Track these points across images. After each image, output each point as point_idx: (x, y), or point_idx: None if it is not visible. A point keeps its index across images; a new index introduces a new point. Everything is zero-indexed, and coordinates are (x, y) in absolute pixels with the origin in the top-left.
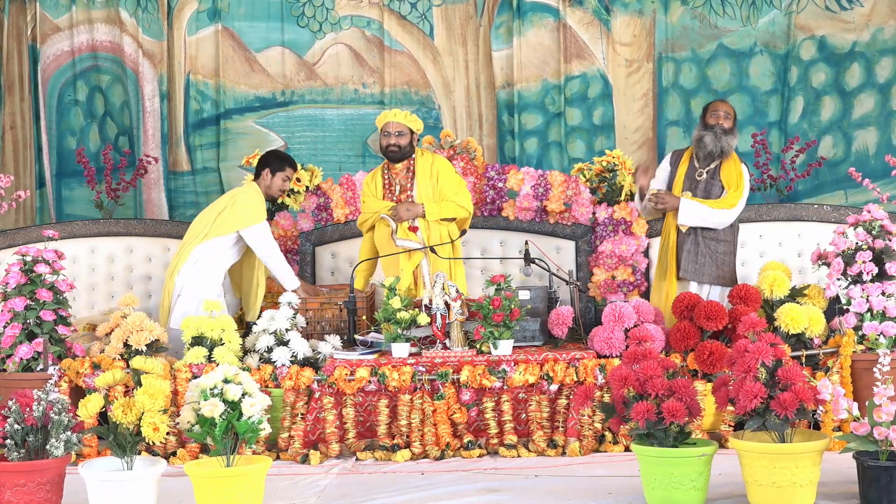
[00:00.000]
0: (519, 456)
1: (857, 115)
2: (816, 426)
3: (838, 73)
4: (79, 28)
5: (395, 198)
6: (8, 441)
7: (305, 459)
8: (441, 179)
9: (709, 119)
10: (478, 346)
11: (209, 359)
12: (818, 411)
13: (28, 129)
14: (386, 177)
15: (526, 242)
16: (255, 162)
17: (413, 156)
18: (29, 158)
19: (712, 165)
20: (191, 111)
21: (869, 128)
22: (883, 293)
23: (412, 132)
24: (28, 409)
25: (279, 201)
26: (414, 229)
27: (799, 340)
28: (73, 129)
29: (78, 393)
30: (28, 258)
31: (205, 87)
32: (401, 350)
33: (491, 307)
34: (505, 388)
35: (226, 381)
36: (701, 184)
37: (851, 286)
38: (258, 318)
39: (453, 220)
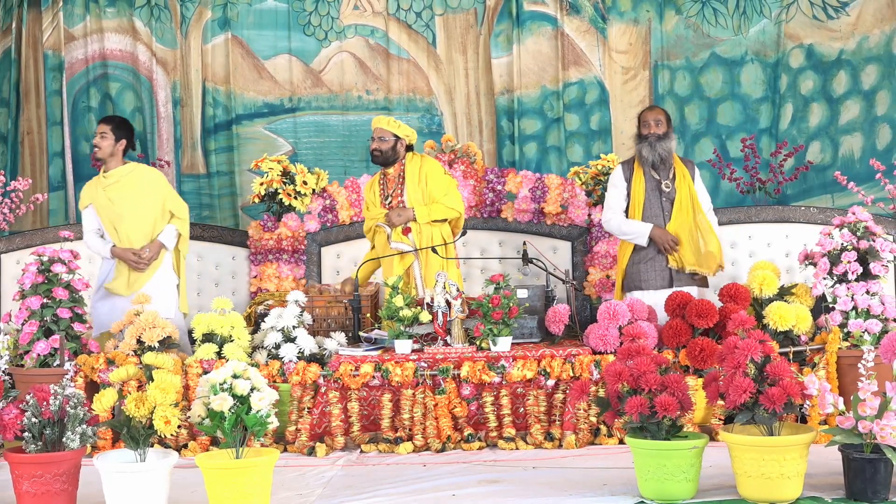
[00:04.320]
0: (517, 448)
1: (844, 121)
2: (803, 420)
3: (825, 81)
4: (93, 37)
5: (388, 204)
6: (26, 434)
7: (312, 452)
8: (430, 182)
9: (641, 130)
10: (478, 342)
11: (219, 355)
12: (805, 406)
13: (43, 134)
14: (382, 183)
15: (524, 243)
16: (263, 166)
17: (403, 161)
18: (44, 163)
19: (671, 174)
20: (206, 116)
21: (855, 133)
22: (867, 292)
23: (397, 138)
24: (45, 403)
25: (286, 203)
26: (407, 231)
27: (787, 337)
28: (88, 134)
29: (93, 388)
30: (45, 258)
31: (217, 93)
32: (403, 346)
33: (490, 305)
34: (504, 383)
35: (235, 377)
36: (669, 193)
37: (837, 285)
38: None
39: (445, 221)
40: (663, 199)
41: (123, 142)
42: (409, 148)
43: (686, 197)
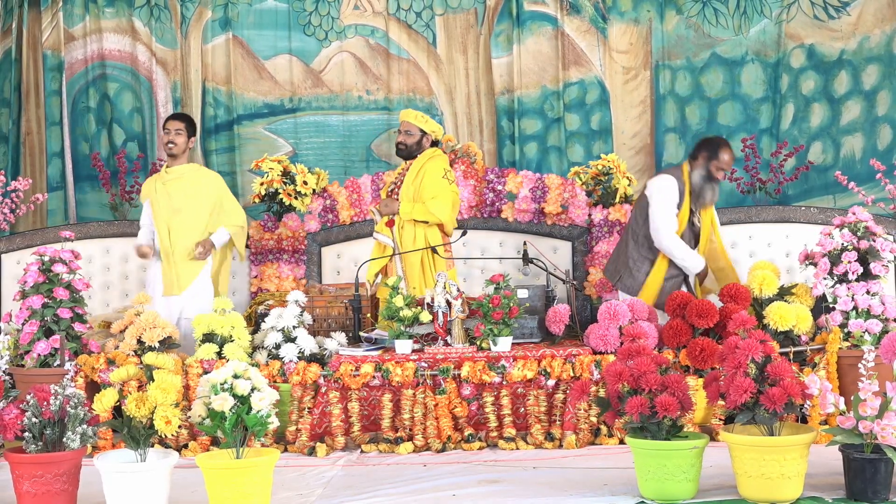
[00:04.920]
0: (518, 448)
1: (845, 122)
2: (804, 420)
3: (827, 81)
4: (92, 37)
5: (390, 192)
6: (26, 434)
7: (312, 452)
8: (424, 180)
9: (715, 171)
10: (478, 342)
11: (219, 355)
12: (805, 406)
13: (43, 134)
14: (401, 173)
15: (524, 243)
16: (263, 166)
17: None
18: (44, 163)
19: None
20: (207, 117)
21: (856, 134)
22: (868, 292)
23: (423, 132)
24: (45, 403)
25: (287, 203)
26: (391, 224)
27: (787, 337)
28: (87, 134)
29: (93, 388)
30: (46, 258)
31: (218, 93)
32: (404, 346)
33: (491, 305)
34: (504, 383)
35: (236, 377)
36: (696, 227)
37: (837, 285)
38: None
39: (427, 223)
40: (692, 230)
41: (193, 138)
42: (435, 143)
43: (707, 229)
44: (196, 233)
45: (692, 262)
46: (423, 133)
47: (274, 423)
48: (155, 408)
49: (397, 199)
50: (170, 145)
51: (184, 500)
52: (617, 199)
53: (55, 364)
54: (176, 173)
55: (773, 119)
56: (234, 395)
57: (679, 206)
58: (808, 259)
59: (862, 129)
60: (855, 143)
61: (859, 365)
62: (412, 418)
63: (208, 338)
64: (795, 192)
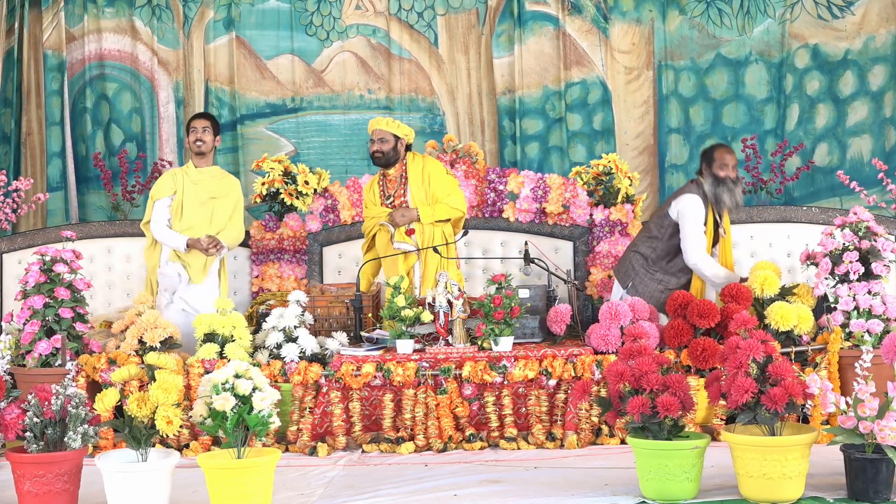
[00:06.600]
0: (519, 448)
1: (851, 123)
2: (805, 420)
3: (832, 81)
4: (90, 37)
5: (391, 203)
6: (28, 434)
7: (313, 452)
8: (433, 182)
9: (718, 171)
10: (479, 342)
11: (221, 355)
12: (807, 405)
13: (43, 135)
14: (382, 183)
15: (526, 243)
16: (264, 166)
17: (405, 161)
18: (44, 163)
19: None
20: None
21: (863, 135)
22: (869, 292)
23: (397, 138)
24: (47, 402)
25: (288, 203)
26: (410, 232)
27: (788, 337)
28: (86, 135)
29: (94, 387)
30: (47, 258)
31: (222, 93)
32: (405, 346)
33: (492, 305)
34: (505, 383)
35: (237, 377)
36: (717, 238)
37: (839, 285)
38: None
39: (448, 220)
40: (715, 244)
41: (219, 137)
42: (408, 147)
43: (728, 239)
44: (213, 231)
45: (722, 278)
46: (397, 138)
47: (275, 422)
48: (156, 408)
49: (408, 207)
50: (198, 143)
51: (185, 500)
52: (619, 199)
53: (56, 364)
54: (207, 174)
55: (778, 120)
56: (236, 395)
57: (704, 223)
58: (810, 259)
59: (870, 131)
60: (862, 144)
61: (856, 365)
62: (413, 418)
63: (209, 337)
64: (801, 194)
